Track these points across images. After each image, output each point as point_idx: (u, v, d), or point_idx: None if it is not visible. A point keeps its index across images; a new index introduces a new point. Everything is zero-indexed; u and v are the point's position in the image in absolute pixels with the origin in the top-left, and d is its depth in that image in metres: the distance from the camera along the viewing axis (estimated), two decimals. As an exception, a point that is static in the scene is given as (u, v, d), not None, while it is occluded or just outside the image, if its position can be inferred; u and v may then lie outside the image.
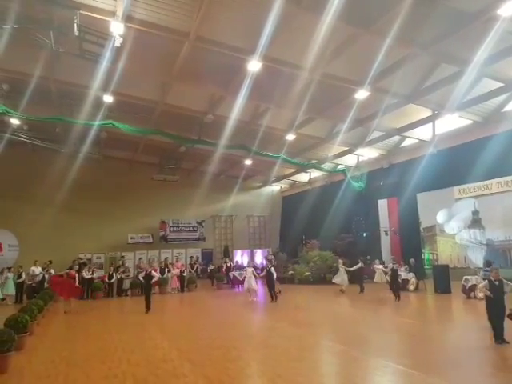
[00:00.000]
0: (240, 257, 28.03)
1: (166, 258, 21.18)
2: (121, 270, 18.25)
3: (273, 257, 24.35)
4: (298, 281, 20.88)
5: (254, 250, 28.92)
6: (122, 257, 21.97)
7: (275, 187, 32.17)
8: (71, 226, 23.45)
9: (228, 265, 22.35)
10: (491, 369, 6.70)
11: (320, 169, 23.40)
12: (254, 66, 12.23)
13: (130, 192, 25.51)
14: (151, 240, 26.37)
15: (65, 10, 10.21)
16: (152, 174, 25.46)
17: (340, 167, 23.66)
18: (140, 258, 21.12)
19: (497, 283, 7.89)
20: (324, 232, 23.55)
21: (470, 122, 16.71)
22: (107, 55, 12.05)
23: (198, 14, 10.61)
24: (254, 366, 7.22)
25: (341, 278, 16.62)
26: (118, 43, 11.12)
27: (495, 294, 7.81)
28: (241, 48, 12.02)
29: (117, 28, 10.64)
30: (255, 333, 10.16)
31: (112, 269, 18.38)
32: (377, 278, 15.84)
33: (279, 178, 29.27)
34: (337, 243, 22.94)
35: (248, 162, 23.22)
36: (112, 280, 17.86)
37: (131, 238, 25.86)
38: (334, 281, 17.05)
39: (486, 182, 16.94)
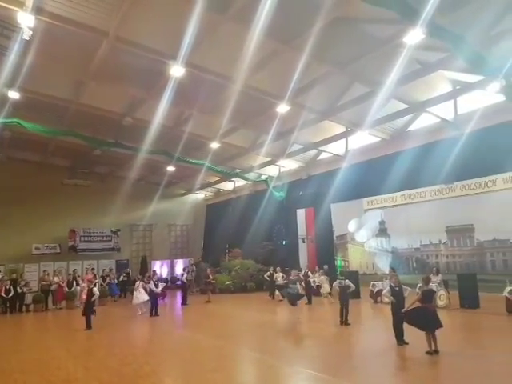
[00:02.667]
0: (159, 268, 27.01)
1: (75, 270, 19.85)
2: (22, 283, 16.38)
3: (194, 267, 23.95)
4: (219, 290, 20.76)
5: (175, 260, 28.13)
6: None
7: (199, 195, 31.69)
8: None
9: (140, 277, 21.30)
10: (393, 369, 7.31)
11: (244, 178, 23.72)
12: (177, 71, 12.00)
13: (37, 198, 23.05)
14: (59, 250, 24.08)
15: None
16: (62, 179, 23.49)
17: (263, 177, 24.24)
18: (44, 270, 19.27)
19: (397, 289, 8.56)
20: (248, 240, 23.70)
21: (379, 139, 18.17)
22: (14, 48, 10.88)
23: (118, 13, 10.11)
24: (167, 381, 6.95)
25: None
26: (26, 36, 10.09)
27: (396, 298, 8.48)
28: (162, 52, 11.68)
29: (25, 20, 9.64)
30: (171, 346, 9.79)
31: (9, 282, 16.39)
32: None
33: (203, 186, 28.81)
34: (259, 251, 23.37)
35: (171, 168, 22.53)
36: (10, 295, 15.92)
37: (36, 249, 23.38)
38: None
39: (391, 195, 18.58)
